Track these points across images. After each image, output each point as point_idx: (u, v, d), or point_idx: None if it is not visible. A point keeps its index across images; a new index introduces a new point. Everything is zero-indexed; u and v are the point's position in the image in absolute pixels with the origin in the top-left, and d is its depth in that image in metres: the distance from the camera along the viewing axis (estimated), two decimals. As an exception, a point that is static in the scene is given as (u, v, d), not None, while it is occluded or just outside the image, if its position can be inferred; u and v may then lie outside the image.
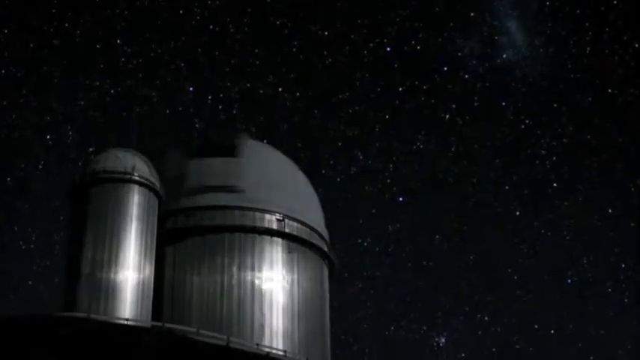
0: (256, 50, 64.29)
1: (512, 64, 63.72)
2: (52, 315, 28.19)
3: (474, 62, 64.09)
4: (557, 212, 63.92)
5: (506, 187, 64.46)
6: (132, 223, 31.47)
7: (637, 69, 61.62)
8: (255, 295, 33.22)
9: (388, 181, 64.51)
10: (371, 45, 64.72)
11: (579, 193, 64.16)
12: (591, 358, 61.54)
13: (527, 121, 64.51)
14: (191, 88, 63.73)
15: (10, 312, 33.78)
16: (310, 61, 65.00)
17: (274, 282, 33.85)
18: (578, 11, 63.63)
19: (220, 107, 64.31)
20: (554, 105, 64.36)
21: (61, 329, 26.09)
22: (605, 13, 62.77)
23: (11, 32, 60.68)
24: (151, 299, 31.34)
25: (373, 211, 65.22)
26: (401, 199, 64.73)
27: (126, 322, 29.08)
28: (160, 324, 29.96)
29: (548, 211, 64.27)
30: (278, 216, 35.03)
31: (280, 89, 64.42)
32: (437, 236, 64.72)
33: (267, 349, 31.31)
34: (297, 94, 64.73)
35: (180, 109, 64.25)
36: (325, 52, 64.61)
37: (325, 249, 37.01)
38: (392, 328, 62.58)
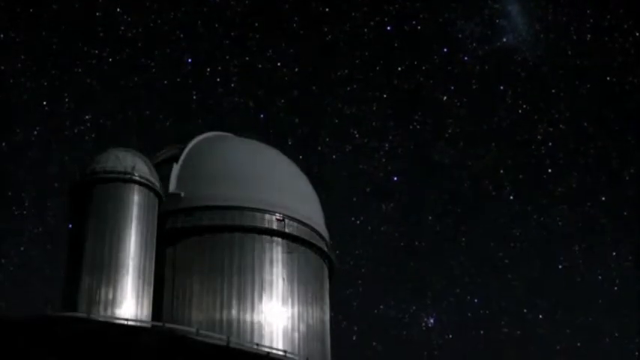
0: (256, 24, 64.23)
1: (512, 48, 63.69)
2: (52, 315, 28.18)
3: (474, 45, 64.08)
4: (550, 198, 64.00)
5: (501, 171, 64.38)
6: (132, 223, 31.47)
7: (637, 57, 61.67)
8: (255, 294, 33.22)
9: (383, 160, 64.56)
10: (371, 23, 64.69)
11: (574, 180, 64.20)
12: (578, 344, 61.80)
13: (524, 106, 64.52)
14: (189, 60, 63.78)
15: (10, 312, 33.76)
16: (310, 37, 64.94)
17: (274, 282, 33.84)
18: (579, -3, 63.87)
19: (218, 80, 64.42)
20: (552, 91, 64.53)
21: (61, 329, 26.09)
22: (606, 0, 63.06)
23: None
24: (151, 299, 31.36)
25: (367, 189, 65.36)
26: (395, 178, 64.64)
27: (126, 322, 29.10)
28: (160, 324, 29.97)
29: (542, 196, 64.36)
30: (278, 216, 35.03)
31: (279, 64, 64.50)
32: (430, 217, 64.59)
33: (267, 349, 31.33)
34: (296, 69, 64.93)
35: (179, 80, 64.47)
36: (325, 29, 64.59)
37: (325, 249, 37.00)
38: (381, 306, 62.41)
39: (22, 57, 61.42)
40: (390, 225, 64.12)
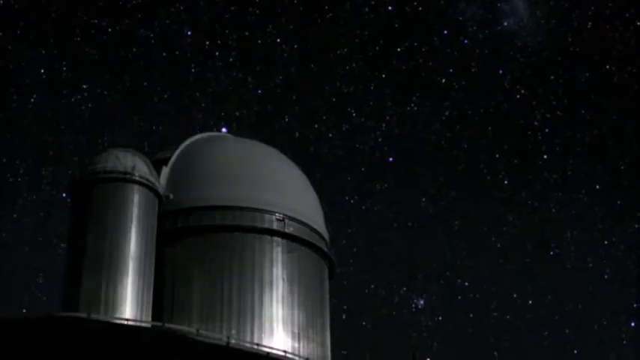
0: None
1: (513, 32, 63.96)
2: (52, 315, 28.21)
3: (475, 28, 64.42)
4: (545, 184, 64.24)
5: (497, 156, 64.60)
6: (132, 223, 31.47)
7: (636, 47, 61.77)
8: (255, 294, 33.21)
9: (380, 140, 64.85)
10: (372, 2, 64.86)
11: (569, 167, 64.50)
12: (567, 330, 62.06)
13: (522, 91, 64.78)
14: (189, 33, 63.73)
15: (10, 312, 33.80)
16: (310, 14, 64.91)
17: (274, 282, 33.83)
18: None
19: (217, 54, 64.44)
20: (551, 77, 64.73)
21: (61, 329, 26.09)
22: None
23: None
24: (151, 299, 31.36)
25: (362, 169, 65.30)
26: (391, 159, 65.02)
27: (126, 322, 29.11)
28: (159, 324, 29.98)
29: (537, 182, 64.58)
30: (278, 216, 35.03)
31: (279, 40, 64.60)
32: (424, 199, 64.64)
33: (267, 349, 31.33)
34: (295, 46, 65.02)
35: (177, 52, 64.46)
36: (326, 7, 64.62)
37: (325, 249, 37.00)
38: (372, 286, 62.57)
39: (21, 24, 61.69)
40: (383, 205, 64.42)
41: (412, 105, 65.14)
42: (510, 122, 65.22)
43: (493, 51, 64.78)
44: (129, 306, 30.04)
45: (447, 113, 64.98)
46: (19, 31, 61.26)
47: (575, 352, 60.87)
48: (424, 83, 65.50)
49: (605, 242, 62.58)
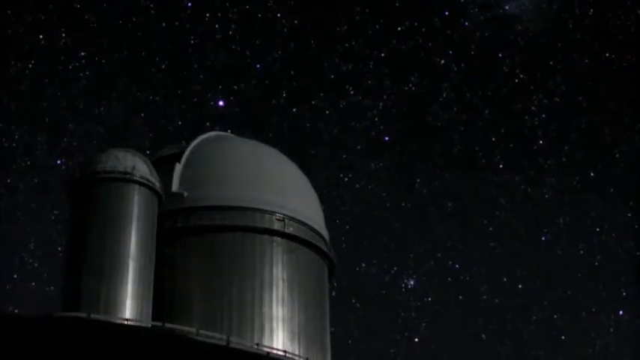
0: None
1: (514, 16, 63.68)
2: (52, 315, 28.21)
3: (476, 10, 64.13)
4: (539, 170, 64.23)
5: (493, 139, 64.51)
6: (132, 223, 31.46)
7: (637, 36, 61.53)
8: (255, 294, 33.23)
9: (376, 119, 64.69)
10: None
11: (564, 154, 64.42)
12: (555, 316, 62.18)
13: (521, 75, 64.62)
14: (189, 4, 63.63)
15: (11, 312, 33.74)
16: None
17: (274, 282, 33.83)
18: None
19: (217, 26, 64.34)
20: (551, 62, 64.64)
21: (61, 329, 26.08)
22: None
23: None
24: (151, 299, 31.35)
25: (358, 147, 65.22)
26: (387, 138, 64.72)
27: (126, 322, 29.11)
28: (160, 324, 29.97)
29: (531, 167, 64.58)
30: (278, 216, 35.04)
31: (279, 15, 64.35)
32: (418, 179, 64.69)
33: (267, 349, 31.34)
34: (295, 21, 64.82)
35: (177, 23, 64.39)
36: None
37: (325, 249, 37.00)
38: (362, 264, 62.63)
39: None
40: (377, 184, 64.49)
41: (410, 85, 65.22)
42: (508, 106, 65.44)
43: (493, 34, 64.99)
44: (129, 306, 30.02)
45: (444, 95, 65.12)
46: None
47: (563, 337, 61.62)
48: (423, 64, 65.54)
49: (597, 229, 62.97)
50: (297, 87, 65.23)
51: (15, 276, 57.76)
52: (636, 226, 60.71)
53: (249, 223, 34.41)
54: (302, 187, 37.87)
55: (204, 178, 35.22)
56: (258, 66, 64.50)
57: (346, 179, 63.83)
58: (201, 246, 33.99)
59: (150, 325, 30.11)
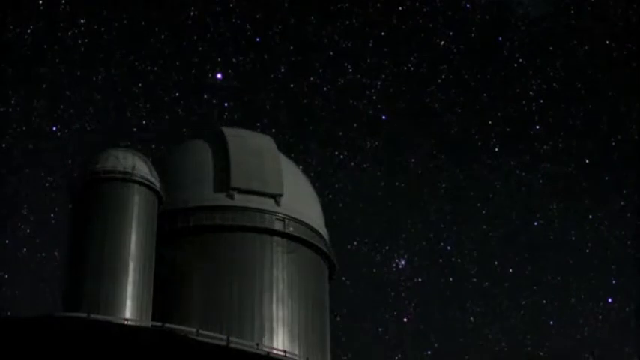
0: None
1: (515, 1, 63.47)
2: (52, 315, 28.23)
3: None
4: (534, 155, 63.97)
5: (490, 122, 64.26)
6: (132, 223, 31.47)
7: (637, 25, 61.34)
8: (255, 294, 33.22)
9: (374, 97, 64.49)
10: None
11: (560, 140, 64.10)
12: (544, 301, 62.12)
13: (520, 60, 64.46)
14: None
15: (11, 312, 33.81)
16: None
17: (274, 282, 33.83)
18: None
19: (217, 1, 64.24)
20: (550, 48, 64.43)
21: (61, 329, 26.12)
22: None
23: None
24: (152, 299, 31.36)
25: (354, 125, 64.86)
26: (384, 117, 64.56)
27: (126, 322, 29.11)
28: (159, 324, 29.97)
29: (527, 152, 64.30)
30: (278, 216, 35.05)
31: None
32: (413, 160, 64.31)
33: (267, 349, 31.34)
34: None
35: None
36: None
37: (325, 249, 37.00)
38: (355, 242, 62.20)
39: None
40: (373, 163, 64.35)
41: (409, 65, 64.99)
42: (506, 90, 65.09)
43: (494, 17, 64.64)
44: (129, 306, 30.02)
45: (443, 76, 64.74)
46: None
47: (551, 322, 61.42)
48: (423, 44, 65.29)
49: (590, 217, 62.87)
50: (295, 62, 64.83)
51: (7, 241, 57.74)
52: (629, 215, 60.91)
53: (249, 223, 34.42)
54: (302, 188, 37.87)
55: (205, 179, 35.22)
56: (257, 40, 64.01)
57: (342, 157, 63.64)
58: (201, 246, 33.99)
59: (150, 325, 30.11)
